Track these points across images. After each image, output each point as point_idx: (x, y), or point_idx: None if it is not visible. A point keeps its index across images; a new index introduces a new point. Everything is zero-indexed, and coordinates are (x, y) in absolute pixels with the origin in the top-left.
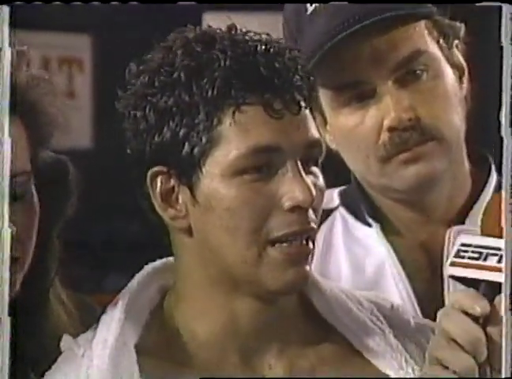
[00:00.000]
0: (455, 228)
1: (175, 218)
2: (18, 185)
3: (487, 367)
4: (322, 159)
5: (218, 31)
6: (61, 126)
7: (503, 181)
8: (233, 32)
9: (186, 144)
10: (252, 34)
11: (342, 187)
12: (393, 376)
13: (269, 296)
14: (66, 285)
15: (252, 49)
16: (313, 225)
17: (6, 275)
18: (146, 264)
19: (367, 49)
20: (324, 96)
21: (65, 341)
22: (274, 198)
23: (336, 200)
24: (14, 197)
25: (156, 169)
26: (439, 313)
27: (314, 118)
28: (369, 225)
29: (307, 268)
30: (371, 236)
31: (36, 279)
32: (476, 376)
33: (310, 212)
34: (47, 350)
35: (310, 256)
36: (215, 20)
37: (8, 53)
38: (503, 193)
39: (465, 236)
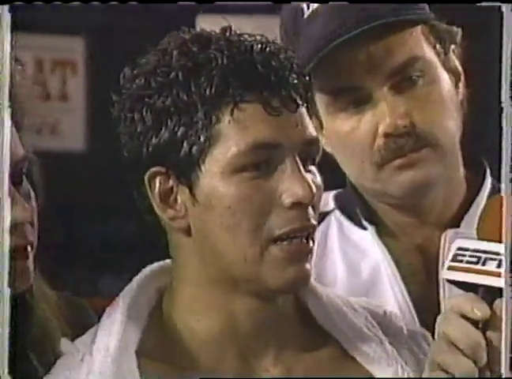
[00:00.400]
0: (450, 231)
1: (174, 218)
2: (20, 172)
3: (486, 371)
4: (319, 159)
5: (213, 32)
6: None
7: (503, 186)
8: (228, 34)
9: (185, 143)
10: (247, 35)
11: (337, 190)
12: None
13: (268, 295)
14: (60, 287)
15: (248, 48)
16: (313, 221)
17: (6, 270)
18: (142, 266)
19: (363, 55)
20: (320, 101)
21: (64, 345)
22: (274, 195)
23: (332, 204)
24: (20, 182)
25: (154, 170)
26: (439, 318)
27: (311, 118)
28: (364, 228)
29: (308, 266)
30: (366, 239)
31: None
32: None
33: (310, 208)
34: (36, 352)
35: (310, 254)
36: (208, 23)
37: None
38: (504, 198)
39: (462, 240)
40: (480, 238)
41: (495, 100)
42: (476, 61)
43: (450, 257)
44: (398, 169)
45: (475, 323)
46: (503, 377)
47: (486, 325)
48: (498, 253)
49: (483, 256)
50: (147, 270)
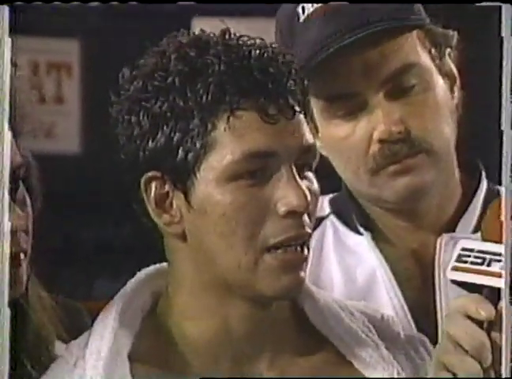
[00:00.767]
0: (446, 236)
1: (169, 223)
2: (16, 179)
3: (491, 371)
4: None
5: (212, 35)
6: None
7: (503, 188)
8: (227, 37)
9: (181, 149)
10: (246, 38)
11: (332, 195)
12: None
13: (262, 301)
14: (56, 290)
15: (246, 54)
16: (308, 230)
17: (6, 272)
18: (138, 269)
19: (359, 61)
20: (315, 105)
21: (58, 348)
22: (269, 203)
23: (327, 209)
24: (16, 190)
25: (150, 174)
26: (445, 318)
27: (308, 123)
28: (360, 233)
29: (302, 274)
30: (362, 244)
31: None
32: None
33: (305, 216)
34: (31, 357)
35: (305, 262)
36: (205, 25)
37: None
38: (503, 200)
39: (466, 241)
40: (484, 240)
41: (491, 103)
42: (473, 63)
43: (455, 257)
44: (393, 175)
45: (480, 323)
46: (503, 377)
47: (490, 326)
48: (502, 254)
49: (488, 257)
50: (142, 274)
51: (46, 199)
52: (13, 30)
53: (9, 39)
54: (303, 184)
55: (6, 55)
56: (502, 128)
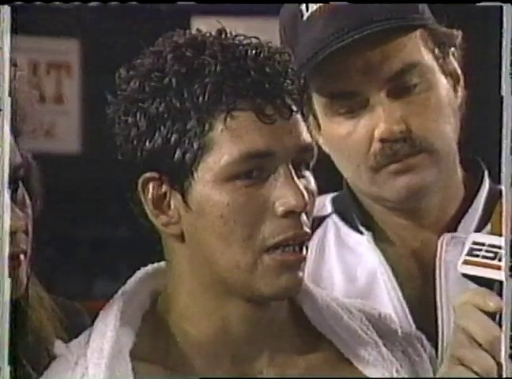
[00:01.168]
0: (447, 236)
1: (167, 224)
2: (16, 179)
3: (502, 367)
4: (314, 163)
5: (208, 35)
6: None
7: (503, 186)
8: (223, 36)
9: (178, 150)
10: (242, 38)
11: (334, 193)
12: None
13: (261, 301)
14: (55, 291)
15: (242, 54)
16: (306, 229)
17: (6, 272)
18: (136, 269)
19: (361, 60)
20: (317, 102)
21: (58, 348)
22: (267, 203)
23: (329, 208)
24: (15, 190)
25: (147, 175)
26: (457, 312)
27: (307, 120)
28: (361, 233)
29: (301, 274)
30: (363, 244)
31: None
32: (495, 375)
33: (303, 216)
34: (30, 357)
35: (303, 262)
36: (204, 25)
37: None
38: (504, 197)
39: (476, 234)
40: (493, 234)
41: (494, 101)
42: (476, 62)
43: (466, 250)
44: (394, 174)
45: (492, 317)
46: (503, 377)
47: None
48: None
49: (500, 251)
50: (141, 272)
51: (45, 199)
52: (13, 30)
53: (9, 39)
54: (301, 183)
55: (6, 55)
56: (503, 126)
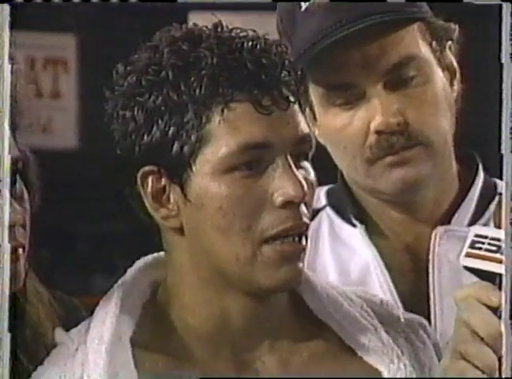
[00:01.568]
0: (440, 228)
1: (166, 217)
2: (14, 173)
3: (503, 363)
4: (312, 153)
5: (204, 28)
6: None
7: (503, 183)
8: (219, 30)
9: (176, 143)
10: (238, 31)
11: (329, 186)
12: (384, 371)
13: (260, 294)
14: (53, 286)
15: (238, 46)
16: (305, 220)
17: (7, 267)
18: (133, 264)
19: (359, 52)
20: (314, 93)
21: (58, 335)
22: (266, 194)
23: (323, 200)
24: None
25: (146, 169)
26: (459, 305)
27: (304, 112)
28: (354, 225)
29: (300, 265)
30: (356, 237)
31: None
32: (497, 370)
33: (302, 206)
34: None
35: (303, 253)
36: (201, 19)
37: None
38: (504, 194)
39: (478, 227)
40: (497, 227)
41: (490, 96)
42: (473, 56)
43: (468, 243)
44: (389, 166)
45: (495, 311)
46: (503, 376)
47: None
48: None
49: (503, 245)
50: (141, 262)
51: (43, 195)
52: (10, 26)
53: (8, 36)
54: (300, 174)
55: (5, 52)
56: (503, 125)
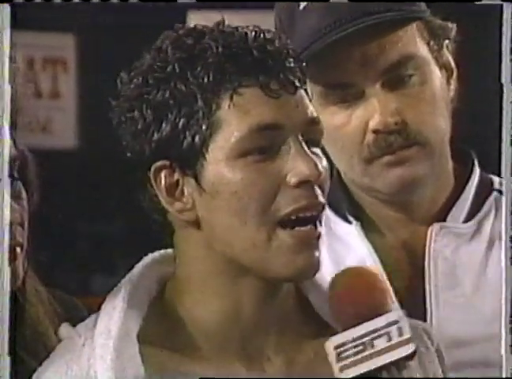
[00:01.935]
0: (436, 225)
1: (182, 211)
2: (12, 171)
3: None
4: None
5: (206, 26)
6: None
7: (504, 182)
8: (221, 27)
9: (187, 133)
10: (240, 27)
11: None
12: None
13: (275, 283)
14: (53, 285)
15: (243, 36)
16: (321, 199)
17: (6, 266)
18: (133, 265)
19: (357, 51)
20: (312, 92)
21: (65, 330)
22: (280, 176)
23: None
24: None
25: (158, 164)
26: None
27: (311, 100)
28: (349, 222)
29: (317, 253)
30: (352, 234)
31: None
32: None
33: (317, 187)
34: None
35: (319, 239)
36: (200, 20)
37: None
38: (504, 194)
39: (334, 339)
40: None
41: (486, 95)
42: (470, 55)
43: (334, 360)
44: (387, 166)
45: None
46: (503, 376)
47: None
48: (379, 329)
49: (366, 339)
50: (148, 258)
51: (42, 194)
52: (10, 25)
53: (9, 36)
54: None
55: (6, 52)
56: (503, 124)
